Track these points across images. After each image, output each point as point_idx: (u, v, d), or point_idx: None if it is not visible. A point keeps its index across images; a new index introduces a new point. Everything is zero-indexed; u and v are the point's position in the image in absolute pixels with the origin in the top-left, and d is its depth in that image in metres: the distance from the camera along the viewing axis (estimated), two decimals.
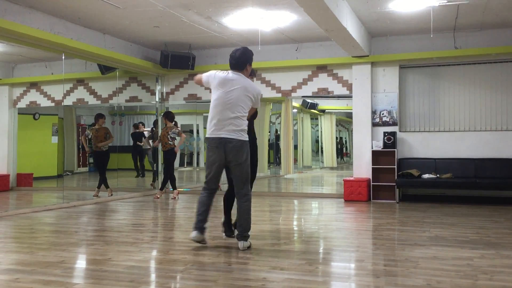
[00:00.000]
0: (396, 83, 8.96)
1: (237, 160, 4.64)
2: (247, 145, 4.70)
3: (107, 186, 9.37)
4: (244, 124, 4.70)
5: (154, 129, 10.95)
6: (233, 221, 5.26)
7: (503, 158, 8.39)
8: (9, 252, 4.75)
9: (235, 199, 4.88)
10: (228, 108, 4.62)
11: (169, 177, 9.20)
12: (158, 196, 9.20)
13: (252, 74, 5.08)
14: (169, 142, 8.99)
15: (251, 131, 5.08)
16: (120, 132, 13.05)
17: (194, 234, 4.73)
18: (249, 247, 4.69)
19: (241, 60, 4.75)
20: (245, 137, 4.69)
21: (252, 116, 5.04)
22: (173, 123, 9.22)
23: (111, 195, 9.29)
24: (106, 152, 9.46)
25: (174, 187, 9.29)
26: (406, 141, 8.94)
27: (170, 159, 9.12)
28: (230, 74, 4.75)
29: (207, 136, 4.76)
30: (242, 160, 4.66)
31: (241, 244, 4.67)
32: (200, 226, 4.74)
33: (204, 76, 4.86)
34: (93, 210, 7.86)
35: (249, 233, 4.76)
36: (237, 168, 4.67)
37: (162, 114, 9.55)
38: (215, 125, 4.65)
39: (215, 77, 4.75)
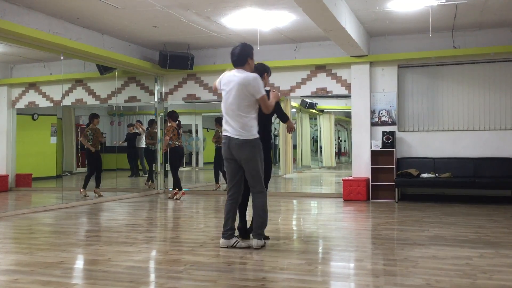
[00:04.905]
0: (394, 82, 8.96)
1: (240, 156, 4.67)
2: (252, 143, 4.65)
3: (85, 187, 9.41)
4: (248, 122, 4.63)
5: (149, 128, 10.94)
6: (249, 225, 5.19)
7: (502, 157, 8.40)
8: (8, 252, 4.75)
9: (251, 199, 4.87)
10: (230, 108, 4.66)
11: (176, 176, 9.15)
12: (178, 198, 9.02)
13: (267, 71, 5.09)
14: (170, 142, 8.93)
15: (265, 127, 5.05)
16: (119, 133, 13.04)
17: (221, 241, 4.79)
18: (263, 246, 4.71)
19: (241, 56, 4.77)
20: (249, 135, 4.63)
21: (268, 110, 4.83)
22: (177, 122, 9.19)
23: (85, 196, 9.28)
24: (99, 152, 9.56)
25: (179, 188, 9.21)
26: (405, 141, 8.95)
27: (173, 157, 9.10)
28: (231, 73, 4.78)
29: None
30: (248, 157, 4.65)
31: (254, 242, 4.71)
32: (227, 234, 4.77)
33: (216, 83, 4.93)
34: (92, 210, 7.85)
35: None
36: (246, 165, 4.70)
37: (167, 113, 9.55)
38: (223, 124, 4.76)
39: (220, 81, 4.83)
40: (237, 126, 4.63)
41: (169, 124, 9.07)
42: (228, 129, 4.68)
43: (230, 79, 4.72)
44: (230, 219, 4.78)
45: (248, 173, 4.73)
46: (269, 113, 4.87)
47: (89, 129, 9.43)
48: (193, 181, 13.60)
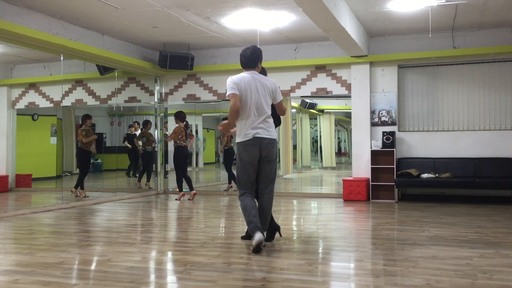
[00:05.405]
0: (395, 82, 8.96)
1: (269, 156, 4.72)
2: (276, 142, 4.79)
3: (83, 188, 9.42)
4: (272, 122, 4.80)
5: (143, 129, 10.93)
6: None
7: (502, 157, 8.40)
8: (8, 253, 4.75)
9: (258, 199, 4.83)
10: (260, 109, 4.68)
11: (178, 176, 9.09)
12: (178, 198, 8.99)
13: (263, 74, 5.12)
14: (177, 141, 8.93)
15: None
16: (119, 133, 13.04)
17: (259, 235, 4.45)
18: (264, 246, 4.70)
19: (252, 58, 4.81)
20: (275, 135, 4.79)
21: (283, 114, 5.04)
22: (184, 123, 9.16)
23: (79, 196, 9.27)
24: (90, 153, 9.56)
25: (180, 189, 9.18)
26: (405, 141, 8.95)
27: (177, 156, 9.06)
28: (245, 75, 4.76)
29: (242, 140, 4.70)
30: (274, 158, 4.76)
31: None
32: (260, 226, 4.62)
33: (231, 93, 4.62)
34: (92, 211, 7.85)
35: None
36: (268, 165, 4.75)
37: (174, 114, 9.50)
38: (249, 127, 4.66)
39: (240, 82, 4.67)
40: (266, 126, 4.72)
41: (176, 125, 9.06)
42: (259, 131, 4.67)
43: (250, 80, 4.71)
44: (256, 216, 4.62)
45: (268, 173, 4.77)
46: (283, 116, 5.11)
47: (83, 130, 9.43)
48: (193, 181, 13.58)
